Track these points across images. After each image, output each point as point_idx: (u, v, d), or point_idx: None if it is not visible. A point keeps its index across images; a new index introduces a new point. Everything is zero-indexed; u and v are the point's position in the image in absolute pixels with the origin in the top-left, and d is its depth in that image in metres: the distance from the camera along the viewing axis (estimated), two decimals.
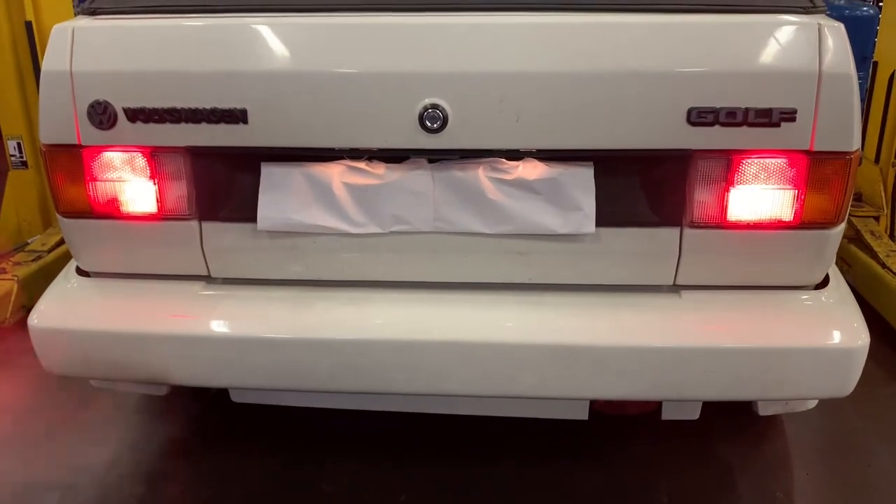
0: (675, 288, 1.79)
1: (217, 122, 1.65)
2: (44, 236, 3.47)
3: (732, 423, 2.39)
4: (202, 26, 1.67)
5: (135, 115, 1.66)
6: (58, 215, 1.83)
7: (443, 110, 1.59)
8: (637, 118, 1.60)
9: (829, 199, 1.65)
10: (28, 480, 2.20)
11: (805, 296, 1.78)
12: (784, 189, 1.65)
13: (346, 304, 1.79)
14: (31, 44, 3.40)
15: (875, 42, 3.64)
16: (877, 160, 3.54)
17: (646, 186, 1.72)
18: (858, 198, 3.56)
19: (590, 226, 1.70)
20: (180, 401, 2.54)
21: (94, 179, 1.74)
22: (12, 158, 3.52)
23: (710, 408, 2.02)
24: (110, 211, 1.77)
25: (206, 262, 1.82)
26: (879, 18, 3.62)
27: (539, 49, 1.61)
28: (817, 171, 1.62)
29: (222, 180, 1.77)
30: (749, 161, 1.63)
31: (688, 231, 1.71)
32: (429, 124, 1.60)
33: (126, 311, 1.82)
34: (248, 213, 1.75)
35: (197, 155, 1.71)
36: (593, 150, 1.66)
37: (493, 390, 1.76)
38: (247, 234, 1.78)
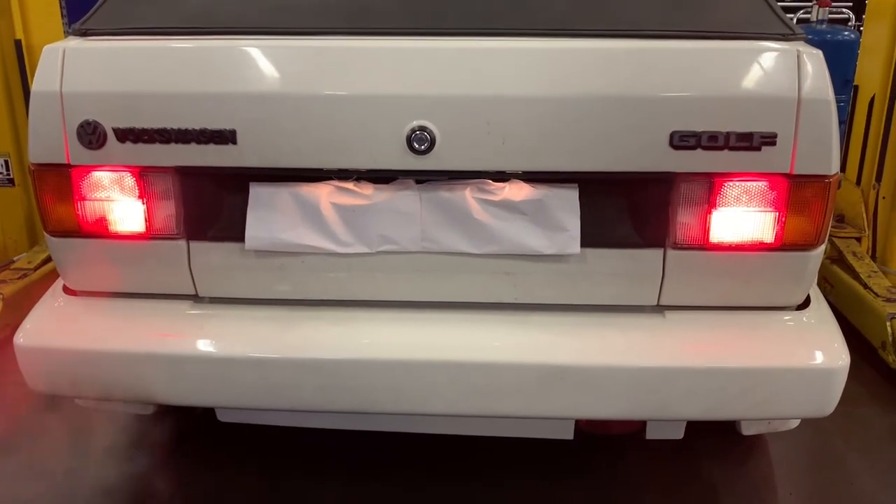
0: (659, 308, 1.81)
1: (206, 142, 1.66)
2: (30, 254, 3.45)
3: (716, 442, 2.40)
4: (192, 48, 1.69)
5: (124, 135, 1.67)
6: (46, 234, 1.83)
7: (430, 132, 1.62)
8: (621, 141, 1.63)
9: (809, 221, 1.68)
10: (11, 502, 2.18)
11: (787, 316, 1.80)
12: (765, 211, 1.67)
13: (333, 323, 1.80)
14: (21, 62, 3.41)
15: (856, 66, 3.71)
16: (858, 182, 3.60)
17: (630, 208, 1.75)
18: (840, 219, 3.61)
19: (575, 247, 1.72)
20: (166, 420, 2.53)
21: (83, 199, 1.74)
22: None
23: (694, 427, 2.04)
24: (98, 230, 1.78)
25: (193, 281, 1.83)
26: (860, 43, 3.69)
27: (525, 73, 1.63)
28: (797, 193, 1.65)
29: (211, 200, 1.78)
30: (731, 184, 1.66)
31: (671, 252, 1.73)
32: (416, 146, 1.62)
33: (113, 330, 1.81)
34: (236, 232, 1.76)
35: (186, 175, 1.72)
36: (578, 173, 1.69)
37: (479, 410, 1.77)
38: (234, 253, 1.79)
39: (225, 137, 1.65)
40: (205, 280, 1.83)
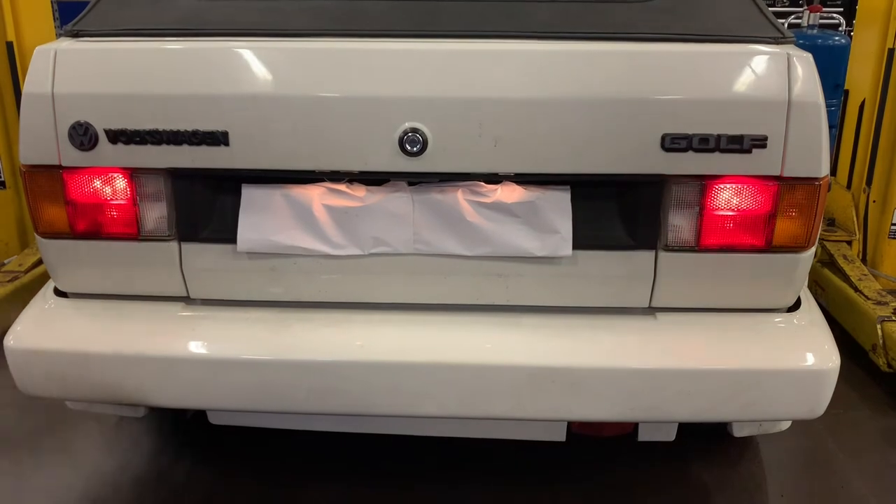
0: (651, 310, 1.82)
1: (198, 143, 1.66)
2: (21, 257, 3.44)
3: (708, 444, 2.41)
4: (184, 49, 1.69)
5: (116, 136, 1.67)
6: (36, 236, 1.82)
7: (423, 134, 1.62)
8: (613, 144, 1.63)
9: (799, 223, 1.69)
10: None
11: (777, 318, 1.81)
12: (756, 214, 1.68)
13: (325, 325, 1.80)
14: (12, 64, 3.40)
15: (846, 70, 3.73)
16: (849, 186, 3.62)
17: (621, 210, 1.75)
18: (831, 223, 3.63)
19: (567, 249, 1.73)
20: (158, 423, 2.52)
21: (74, 200, 1.74)
22: None
23: (685, 429, 2.04)
24: (90, 231, 1.77)
25: (185, 283, 1.83)
26: (850, 48, 3.71)
27: (517, 75, 1.64)
28: (788, 196, 1.66)
29: (202, 202, 1.77)
30: (721, 186, 1.66)
31: (662, 254, 1.74)
32: (409, 148, 1.62)
33: (104, 332, 1.81)
34: (228, 234, 1.76)
35: (177, 176, 1.72)
36: (570, 175, 1.69)
37: (472, 412, 1.77)
38: (227, 255, 1.79)
39: (217, 139, 1.65)
40: (196, 282, 1.83)
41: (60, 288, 1.90)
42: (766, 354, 1.73)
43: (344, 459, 2.35)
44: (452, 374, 1.73)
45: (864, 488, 2.27)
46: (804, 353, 1.74)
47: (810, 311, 1.85)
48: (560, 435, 2.01)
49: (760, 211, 1.68)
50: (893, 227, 3.41)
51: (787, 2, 6.68)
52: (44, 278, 1.98)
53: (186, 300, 1.86)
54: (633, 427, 2.01)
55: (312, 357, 1.75)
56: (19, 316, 1.87)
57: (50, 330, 1.83)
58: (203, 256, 1.80)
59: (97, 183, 1.73)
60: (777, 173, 1.64)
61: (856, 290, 3.08)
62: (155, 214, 1.75)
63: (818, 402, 1.73)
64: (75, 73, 1.67)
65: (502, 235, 1.73)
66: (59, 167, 1.71)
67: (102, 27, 1.77)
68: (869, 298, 2.99)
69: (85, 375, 1.79)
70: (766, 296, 1.80)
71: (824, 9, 3.96)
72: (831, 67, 3.37)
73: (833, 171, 3.59)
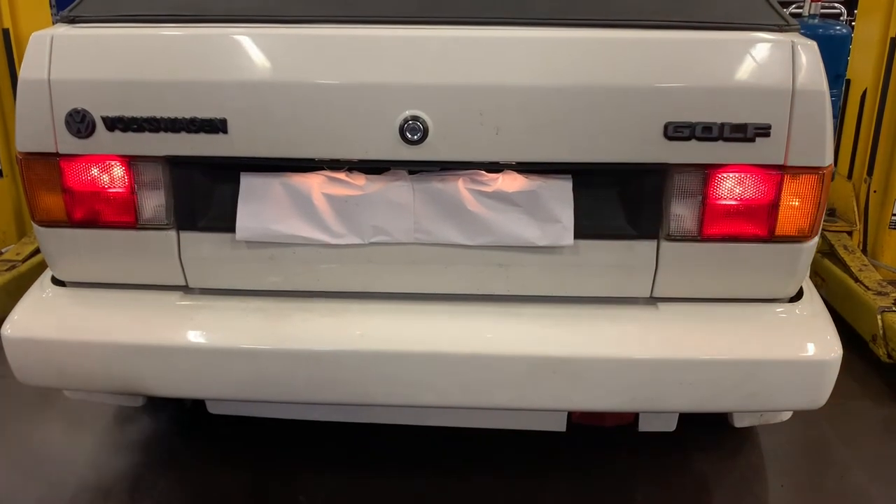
0: (652, 300, 1.81)
1: (196, 131, 1.64)
2: (18, 245, 3.43)
3: (708, 434, 2.41)
4: (182, 35, 1.67)
5: (113, 123, 1.65)
6: (34, 224, 1.81)
7: (423, 122, 1.60)
8: (615, 132, 1.62)
9: (802, 213, 1.68)
10: None
11: (779, 308, 1.80)
12: (759, 203, 1.67)
13: (324, 315, 1.79)
14: (8, 51, 3.37)
15: (848, 60, 3.72)
16: (850, 176, 3.60)
17: (623, 199, 1.74)
18: (832, 213, 3.62)
19: (568, 238, 1.72)
20: (156, 412, 2.51)
21: (72, 188, 1.73)
22: None
23: (686, 419, 2.04)
24: (87, 220, 1.76)
25: (183, 272, 1.81)
26: (852, 37, 3.70)
27: (519, 63, 1.62)
28: (791, 185, 1.65)
29: (201, 190, 1.76)
30: (724, 175, 1.65)
31: (664, 244, 1.73)
32: (409, 136, 1.61)
33: (102, 321, 1.80)
34: (226, 222, 1.75)
35: (176, 164, 1.71)
36: (572, 164, 1.68)
37: (472, 402, 1.77)
38: (225, 244, 1.77)
39: (215, 126, 1.64)
40: (195, 271, 1.82)
41: (58, 277, 1.88)
42: (768, 345, 1.73)
43: (342, 449, 2.34)
44: (452, 364, 1.72)
45: (864, 478, 2.27)
46: (806, 343, 1.74)
47: (812, 301, 1.84)
48: (560, 425, 2.01)
49: (763, 200, 1.67)
50: (894, 218, 3.40)
51: None
52: (41, 267, 1.97)
53: (185, 289, 1.85)
54: (634, 417, 2.01)
55: (311, 347, 1.74)
56: (16, 305, 1.86)
57: (47, 319, 1.82)
58: (201, 245, 1.79)
59: (94, 171, 1.72)
60: (780, 162, 1.63)
61: (856, 280, 3.08)
62: (153, 203, 1.74)
63: (820, 392, 1.73)
64: (72, 60, 1.66)
65: (503, 225, 1.72)
66: (56, 154, 1.69)
67: (99, 13, 1.75)
68: (869, 289, 2.99)
69: (83, 365, 1.78)
70: (768, 286, 1.79)
71: None
72: (832, 57, 3.35)
73: (834, 161, 3.58)
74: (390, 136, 1.62)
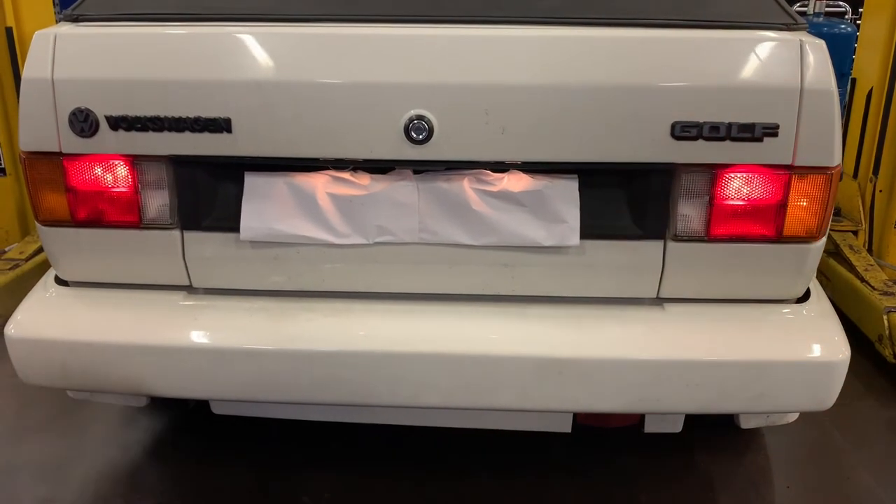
0: (659, 301, 1.80)
1: (200, 130, 1.64)
2: (21, 244, 3.42)
3: (714, 435, 2.40)
4: (186, 35, 1.66)
5: (117, 123, 1.64)
6: (37, 223, 1.80)
7: (428, 121, 1.59)
8: (622, 132, 1.61)
9: (810, 213, 1.67)
10: (0, 495, 2.16)
11: (786, 309, 1.79)
12: (766, 203, 1.66)
13: (328, 315, 1.78)
14: (11, 50, 3.37)
15: (853, 59, 3.70)
16: (855, 175, 3.59)
17: (630, 199, 1.73)
18: (837, 212, 3.61)
19: (574, 238, 1.70)
20: (159, 412, 2.51)
21: (75, 188, 1.72)
22: None
23: (691, 420, 2.03)
24: (91, 219, 1.75)
25: (187, 271, 1.81)
26: (857, 36, 3.68)
27: (525, 62, 1.61)
28: (799, 185, 1.64)
29: (205, 189, 1.75)
30: (732, 175, 1.64)
31: (671, 244, 1.72)
32: (414, 135, 1.60)
33: (105, 321, 1.79)
34: (230, 222, 1.74)
35: (179, 164, 1.70)
36: (578, 163, 1.67)
37: (477, 402, 1.76)
38: (229, 243, 1.77)
39: (220, 126, 1.63)
40: (199, 270, 1.81)
41: (61, 276, 1.88)
42: (775, 346, 1.72)
43: (346, 449, 2.34)
44: (457, 365, 1.71)
45: (870, 479, 2.26)
46: (814, 344, 1.72)
47: (820, 301, 1.83)
48: (566, 426, 2.00)
49: (771, 200, 1.65)
50: None
51: None
52: (45, 266, 1.96)
53: (189, 289, 1.84)
54: (640, 418, 2.00)
55: (315, 347, 1.73)
56: (20, 304, 1.85)
57: (51, 319, 1.81)
58: (205, 245, 1.78)
59: (98, 170, 1.71)
60: (788, 162, 1.61)
61: (862, 280, 3.06)
62: (157, 202, 1.73)
63: (828, 394, 1.72)
64: (76, 59, 1.65)
65: (509, 225, 1.71)
66: (60, 154, 1.69)
67: (103, 12, 1.74)
68: (875, 289, 2.97)
69: (86, 365, 1.77)
70: (775, 287, 1.77)
71: None
72: (838, 56, 3.31)
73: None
74: (395, 135, 1.61)
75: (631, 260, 1.74)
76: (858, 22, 3.72)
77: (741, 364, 1.69)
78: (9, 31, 3.34)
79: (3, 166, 3.49)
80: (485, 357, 1.71)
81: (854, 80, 3.61)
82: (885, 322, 2.79)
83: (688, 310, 1.78)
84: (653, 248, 1.73)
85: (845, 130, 3.65)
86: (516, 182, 1.70)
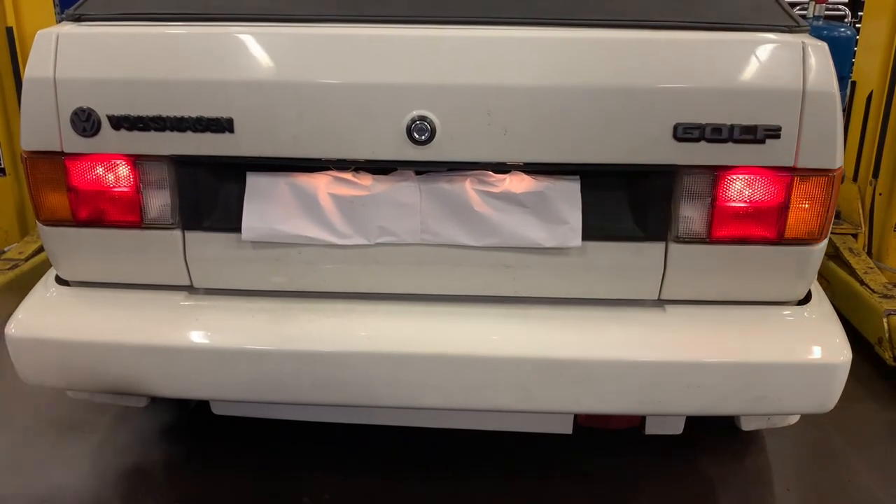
0: (660, 302, 1.80)
1: (202, 130, 1.63)
2: (21, 244, 3.42)
3: (715, 437, 2.40)
4: (188, 34, 1.66)
5: (119, 122, 1.64)
6: (38, 223, 1.80)
7: (430, 122, 1.59)
8: (624, 133, 1.61)
9: (812, 215, 1.67)
10: (0, 496, 2.16)
11: (788, 311, 1.79)
12: (768, 205, 1.66)
13: (330, 315, 1.78)
14: (12, 49, 3.37)
15: (853, 62, 3.70)
16: (855, 178, 3.59)
17: (632, 201, 1.73)
18: (837, 215, 3.60)
19: (576, 239, 1.70)
20: (160, 413, 2.50)
21: (77, 187, 1.72)
22: None
23: (692, 422, 2.03)
24: (92, 219, 1.75)
25: (188, 272, 1.80)
26: (857, 39, 3.68)
27: (527, 63, 1.61)
28: (801, 187, 1.64)
29: (206, 189, 1.75)
30: (734, 177, 1.64)
31: (673, 246, 1.72)
32: (416, 136, 1.60)
33: (106, 320, 1.79)
34: (232, 222, 1.74)
35: (181, 164, 1.70)
36: (580, 165, 1.67)
37: (478, 404, 1.75)
38: (231, 244, 1.76)
39: (221, 126, 1.63)
40: (200, 271, 1.81)
41: (62, 276, 1.88)
42: (777, 348, 1.72)
43: (346, 450, 2.33)
44: (459, 366, 1.71)
45: (871, 481, 2.26)
46: (815, 346, 1.73)
47: (821, 304, 1.83)
48: (567, 427, 2.00)
49: (773, 202, 1.65)
50: None
51: None
52: (44, 266, 1.96)
53: (190, 289, 1.84)
54: (640, 420, 2.00)
55: (317, 348, 1.73)
56: (20, 304, 1.85)
57: (51, 319, 1.81)
58: (207, 245, 1.78)
59: (100, 170, 1.71)
60: (791, 164, 1.61)
61: (862, 283, 3.06)
62: (158, 202, 1.73)
63: (829, 396, 1.72)
64: (77, 58, 1.65)
65: (510, 226, 1.71)
66: (61, 153, 1.68)
67: (105, 11, 1.74)
68: (875, 292, 2.97)
69: (86, 365, 1.77)
70: (776, 289, 1.77)
71: (829, 0, 3.93)
72: (837, 59, 3.30)
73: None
74: (397, 136, 1.61)
75: (632, 261, 1.74)
76: (858, 25, 3.72)
77: (742, 366, 1.69)
78: (9, 30, 3.34)
79: (2, 166, 3.49)
80: (486, 358, 1.71)
81: (854, 84, 3.61)
82: (885, 325, 2.79)
83: (689, 311, 1.78)
84: (654, 249, 1.73)
85: (845, 134, 3.65)
86: (518, 183, 1.70)
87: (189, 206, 1.74)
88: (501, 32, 1.64)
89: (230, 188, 1.75)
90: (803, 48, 1.58)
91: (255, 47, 1.63)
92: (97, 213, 1.74)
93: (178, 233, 1.76)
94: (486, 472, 2.25)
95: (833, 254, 3.37)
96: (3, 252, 3.38)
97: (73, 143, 1.67)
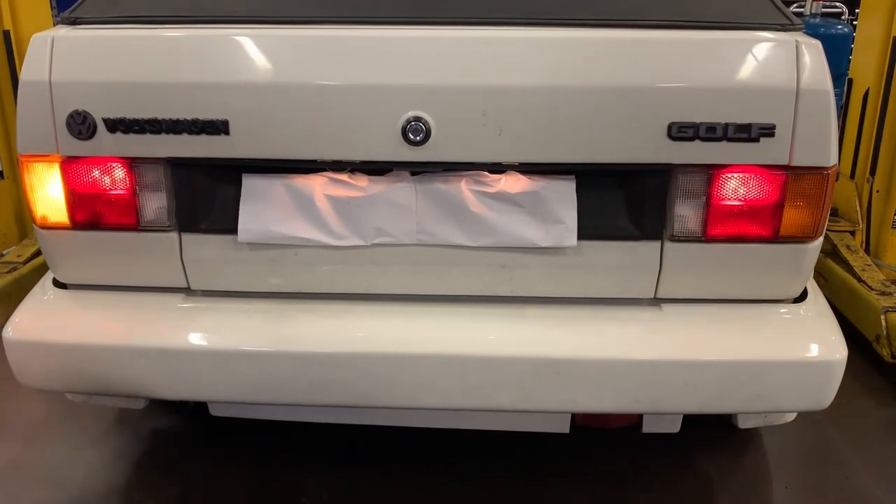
0: (656, 301, 1.80)
1: (198, 133, 1.64)
2: (19, 247, 3.42)
3: (712, 435, 2.40)
4: (184, 37, 1.66)
5: (114, 125, 1.64)
6: (35, 226, 1.80)
7: (426, 123, 1.60)
8: (618, 133, 1.61)
9: (807, 213, 1.67)
10: (0, 496, 2.16)
11: (784, 309, 1.80)
12: (763, 203, 1.66)
13: (327, 316, 1.78)
14: (9, 53, 3.37)
15: (850, 59, 3.71)
16: (852, 176, 3.60)
17: (627, 200, 1.73)
18: (834, 213, 3.61)
19: (571, 239, 1.71)
20: (158, 414, 2.51)
21: (73, 190, 1.72)
22: None
23: (690, 421, 2.03)
24: (89, 222, 1.75)
25: (185, 274, 1.81)
26: (853, 37, 3.69)
27: (522, 63, 1.61)
28: (796, 185, 1.64)
29: (203, 191, 1.75)
30: (728, 175, 1.64)
31: (668, 244, 1.72)
32: (412, 137, 1.60)
33: (103, 323, 1.79)
34: (228, 224, 1.74)
35: (177, 166, 1.70)
36: (575, 164, 1.67)
37: (475, 404, 1.76)
38: (227, 245, 1.77)
39: (217, 128, 1.63)
40: (197, 273, 1.81)
41: (59, 279, 1.88)
42: (773, 346, 1.72)
43: (344, 450, 2.34)
44: (455, 366, 1.71)
45: (869, 479, 2.26)
46: (811, 344, 1.73)
47: (817, 301, 1.84)
48: (564, 426, 2.00)
49: (768, 200, 1.66)
50: None
51: None
52: (43, 269, 1.96)
53: (187, 291, 1.84)
54: (638, 419, 2.00)
55: (314, 349, 1.73)
56: (18, 307, 1.85)
57: (49, 322, 1.81)
58: (203, 247, 1.78)
59: (96, 173, 1.71)
60: (785, 162, 1.62)
61: (859, 280, 3.07)
62: (154, 205, 1.73)
63: (825, 393, 1.72)
64: (73, 61, 1.65)
65: (506, 226, 1.71)
66: (58, 156, 1.69)
67: (100, 14, 1.74)
68: (872, 289, 2.98)
69: (84, 367, 1.77)
70: (772, 286, 1.78)
71: None
72: (834, 56, 3.31)
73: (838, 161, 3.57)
74: (393, 137, 1.62)
75: (628, 260, 1.75)
76: (855, 22, 3.73)
77: (739, 364, 1.69)
78: (6, 34, 3.34)
79: (0, 170, 3.49)
80: (483, 358, 1.71)
81: (851, 81, 3.61)
82: (883, 322, 2.79)
83: (685, 310, 1.78)
84: (650, 248, 1.73)
85: (842, 131, 3.65)
86: (514, 183, 1.71)
87: (185, 208, 1.75)
88: (495, 33, 1.64)
89: (226, 190, 1.75)
90: (797, 46, 1.59)
91: (250, 49, 1.63)
92: (94, 215, 1.75)
93: (174, 235, 1.76)
94: (485, 472, 2.26)
95: (831, 251, 3.37)
96: (2, 255, 3.38)
97: (69, 146, 1.67)
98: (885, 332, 2.78)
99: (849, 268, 3.18)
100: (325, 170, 1.73)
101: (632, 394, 1.72)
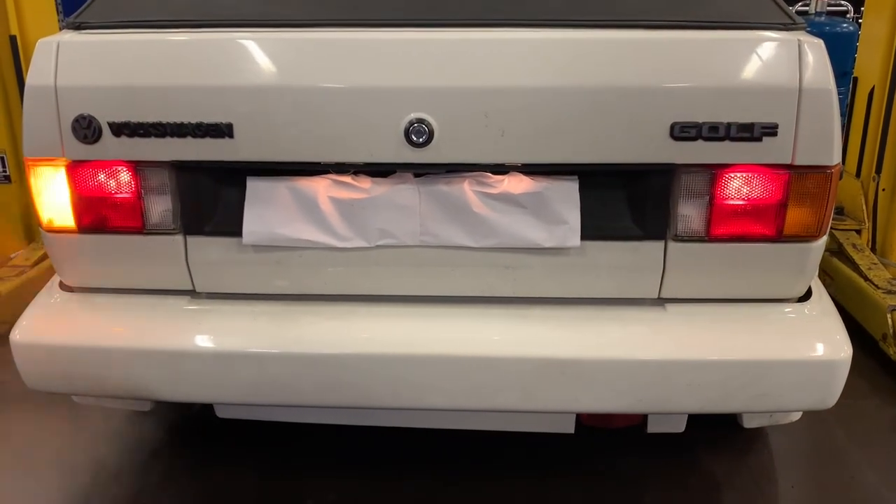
0: (660, 301, 1.80)
1: (202, 136, 1.65)
2: (27, 251, 3.44)
3: (717, 435, 2.40)
4: (188, 41, 1.67)
5: (120, 129, 1.65)
6: (41, 230, 1.82)
7: (428, 125, 1.60)
8: (621, 133, 1.61)
9: (810, 212, 1.67)
10: (5, 501, 2.17)
11: (788, 308, 1.79)
12: (766, 203, 1.66)
13: (331, 318, 1.79)
14: (16, 58, 3.39)
15: (855, 58, 3.70)
16: (858, 174, 3.59)
17: (630, 200, 1.74)
18: (840, 211, 3.60)
19: (575, 239, 1.71)
20: (164, 416, 2.52)
21: (79, 194, 1.73)
22: None
23: (695, 420, 2.03)
24: (94, 225, 1.76)
25: (190, 276, 1.82)
26: (859, 35, 3.68)
27: (524, 64, 1.62)
28: (799, 184, 1.64)
29: (207, 194, 1.76)
30: (731, 175, 1.64)
31: (672, 244, 1.72)
32: (415, 139, 1.61)
33: (110, 326, 1.80)
34: (233, 227, 1.75)
35: (182, 169, 1.71)
36: (578, 165, 1.68)
37: (479, 404, 1.76)
38: (232, 248, 1.78)
39: (221, 131, 1.64)
40: (202, 275, 1.82)
41: (66, 282, 1.89)
42: (777, 345, 1.72)
43: (349, 452, 2.34)
44: (460, 367, 1.72)
45: (875, 478, 2.25)
46: (816, 343, 1.73)
47: (821, 300, 1.83)
48: (569, 427, 2.00)
49: (771, 200, 1.66)
50: None
51: None
52: (51, 272, 1.97)
53: (192, 294, 1.85)
54: (642, 418, 2.00)
55: (318, 350, 1.74)
56: (25, 310, 1.86)
57: (55, 324, 1.83)
58: (208, 249, 1.79)
59: (101, 176, 1.72)
60: (788, 161, 1.62)
61: (865, 279, 3.06)
62: (160, 208, 1.74)
63: (830, 392, 1.72)
64: (78, 66, 1.66)
65: (509, 226, 1.71)
66: (63, 160, 1.70)
67: (105, 19, 1.75)
68: (879, 287, 2.97)
69: (91, 370, 1.78)
70: (776, 286, 1.78)
71: None
72: (839, 55, 3.33)
73: (842, 159, 3.56)
74: (396, 138, 1.62)
75: (632, 260, 1.75)
76: (860, 20, 3.72)
77: (743, 363, 1.69)
78: (13, 38, 3.36)
79: (7, 174, 3.51)
80: (487, 359, 1.71)
81: (856, 79, 3.60)
82: (889, 320, 2.79)
83: (689, 310, 1.78)
84: (654, 248, 1.73)
85: (848, 129, 3.64)
86: (517, 184, 1.71)
87: (190, 211, 1.76)
88: (497, 34, 1.65)
89: (231, 193, 1.76)
90: (799, 45, 1.59)
91: (254, 53, 1.64)
92: (99, 219, 1.76)
93: (179, 238, 1.77)
94: (490, 472, 2.26)
95: (836, 250, 3.37)
96: (11, 258, 3.40)
97: (75, 150, 1.68)
98: (891, 330, 2.78)
99: (855, 266, 3.18)
100: (328, 172, 1.74)
101: (636, 394, 1.72)
